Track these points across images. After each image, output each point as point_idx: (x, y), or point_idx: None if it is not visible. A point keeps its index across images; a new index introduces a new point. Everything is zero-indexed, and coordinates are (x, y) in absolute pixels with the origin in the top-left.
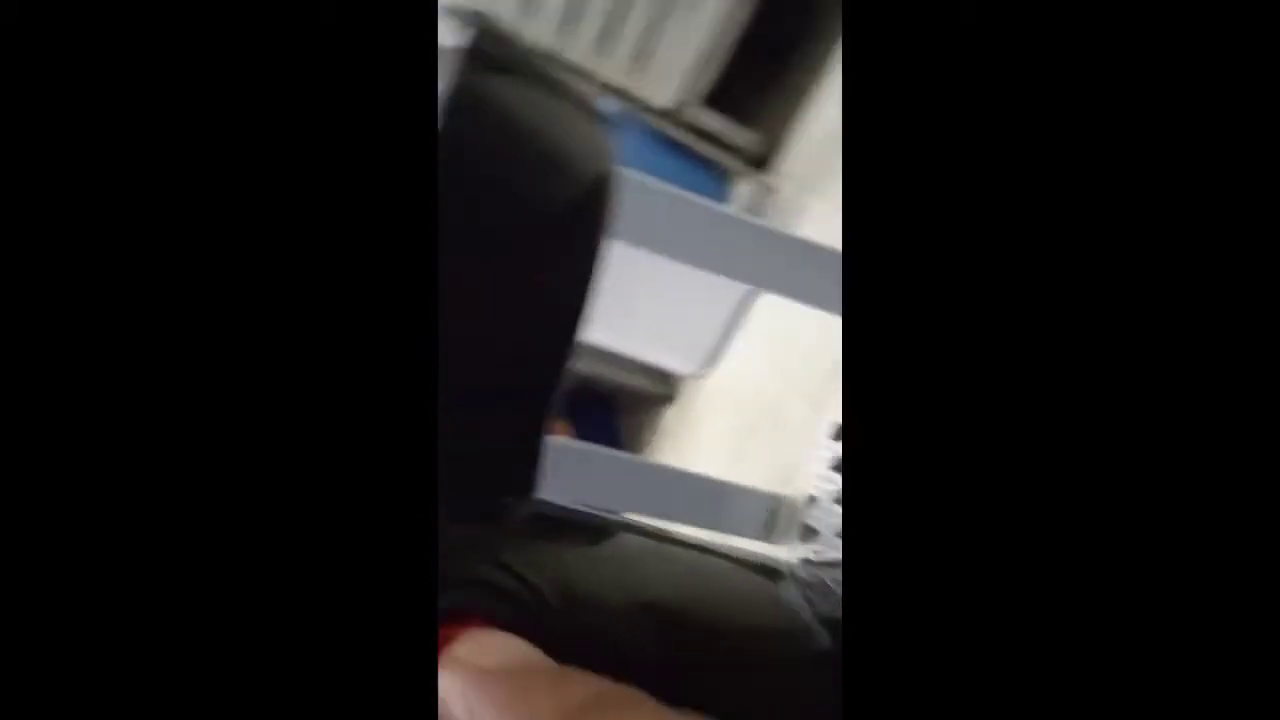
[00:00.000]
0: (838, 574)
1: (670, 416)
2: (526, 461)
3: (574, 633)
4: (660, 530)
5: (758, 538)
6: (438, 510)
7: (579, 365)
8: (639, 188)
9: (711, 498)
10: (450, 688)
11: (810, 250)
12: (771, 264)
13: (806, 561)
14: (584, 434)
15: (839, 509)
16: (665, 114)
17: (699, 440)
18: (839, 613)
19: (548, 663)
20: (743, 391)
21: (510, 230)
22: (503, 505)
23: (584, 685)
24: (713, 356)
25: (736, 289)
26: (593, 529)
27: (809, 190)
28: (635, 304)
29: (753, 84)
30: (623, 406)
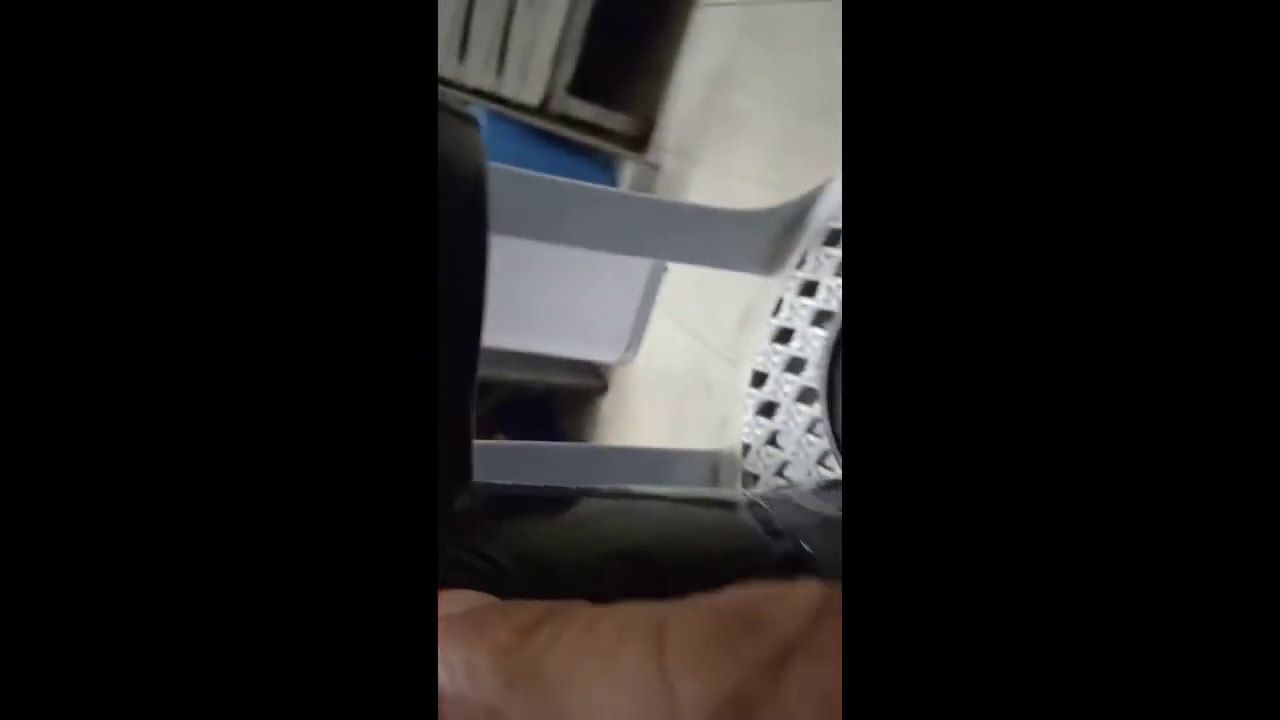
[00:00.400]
0: (789, 495)
1: (607, 405)
2: (458, 451)
3: (535, 596)
4: (616, 489)
5: None
6: (439, 496)
7: (508, 375)
8: (526, 182)
9: (654, 468)
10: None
11: (701, 214)
12: (669, 234)
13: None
14: (526, 440)
15: (773, 450)
16: (536, 110)
17: (638, 420)
18: (796, 524)
19: (495, 600)
20: (668, 365)
21: None
22: (441, 495)
23: (534, 607)
24: (635, 340)
25: (642, 272)
26: (549, 501)
27: (691, 162)
28: (551, 306)
29: (615, 68)
30: (559, 406)
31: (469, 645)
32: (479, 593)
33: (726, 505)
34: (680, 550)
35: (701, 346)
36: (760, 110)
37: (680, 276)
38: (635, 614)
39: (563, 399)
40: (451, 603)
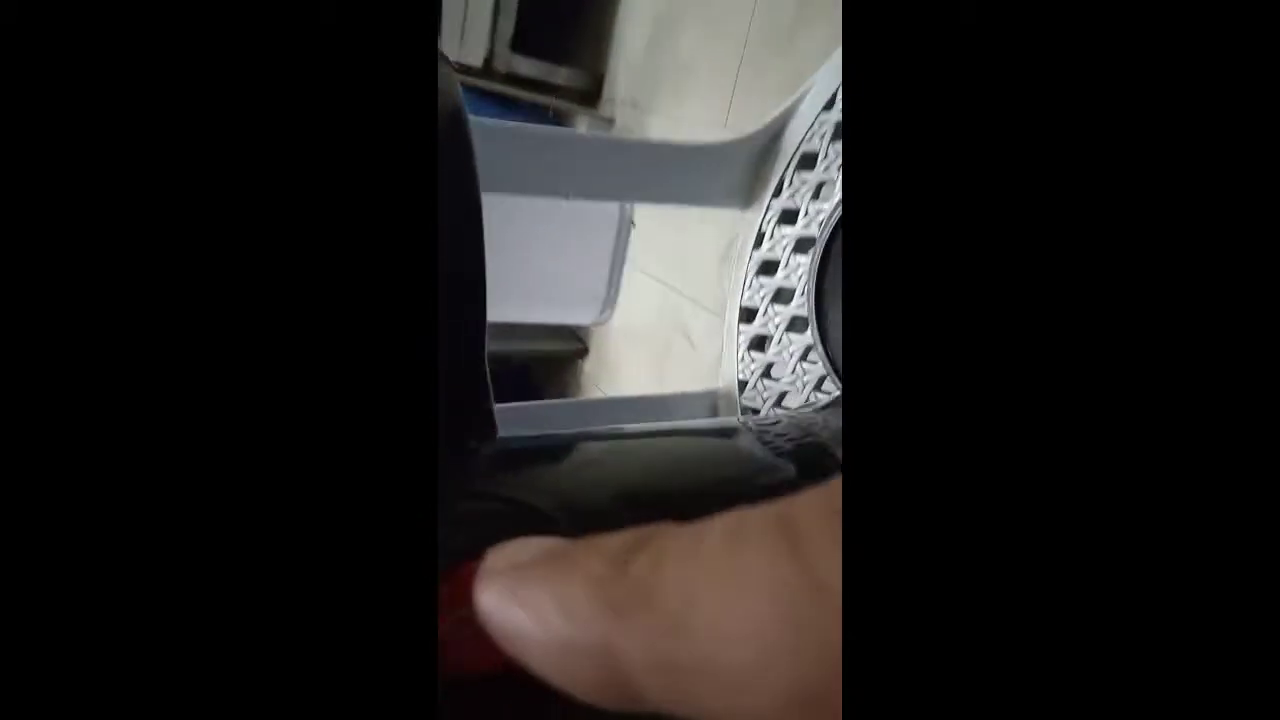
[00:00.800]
0: (792, 418)
1: (589, 368)
2: (482, 402)
3: (578, 535)
4: (614, 430)
5: None
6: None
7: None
8: (488, 132)
9: (658, 412)
10: (496, 592)
11: (671, 151)
12: (641, 176)
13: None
14: None
15: (769, 382)
16: (480, 71)
17: (622, 378)
18: (799, 445)
19: (567, 540)
20: (646, 320)
21: None
22: (470, 449)
23: (617, 536)
24: (610, 299)
25: (610, 230)
26: (554, 448)
27: (644, 111)
28: (523, 275)
29: (555, 22)
30: (541, 374)
31: (557, 582)
32: (537, 536)
33: (731, 432)
34: (692, 477)
35: (677, 296)
36: (707, 52)
37: (648, 231)
38: (743, 519)
39: (544, 366)
40: (516, 550)
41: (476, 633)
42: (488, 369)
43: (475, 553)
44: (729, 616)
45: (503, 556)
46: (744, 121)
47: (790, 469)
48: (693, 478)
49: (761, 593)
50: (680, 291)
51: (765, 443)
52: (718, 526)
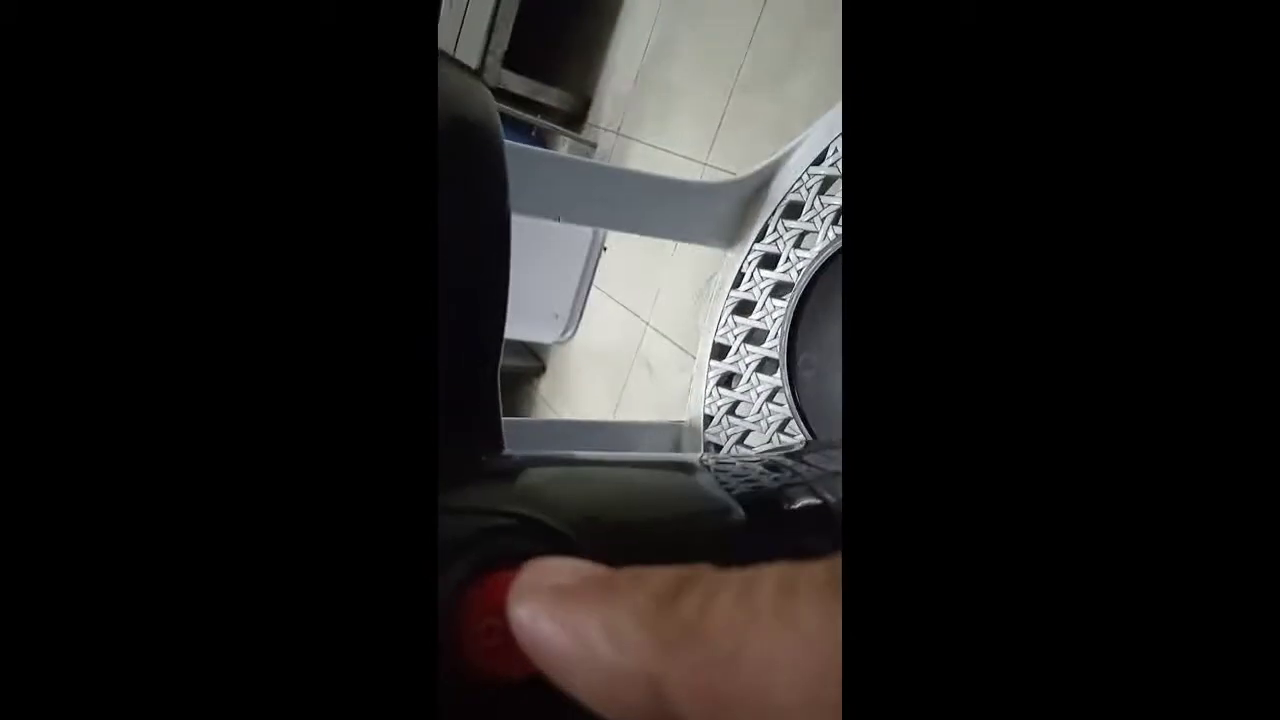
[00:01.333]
0: (748, 459)
1: (544, 387)
2: (493, 415)
3: (593, 553)
4: (566, 456)
5: None
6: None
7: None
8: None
9: (622, 440)
10: (535, 609)
11: (666, 186)
12: (634, 205)
13: (718, 456)
14: None
15: (734, 419)
16: None
17: (576, 400)
18: (754, 488)
19: (605, 568)
20: (608, 344)
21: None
22: (480, 463)
23: (660, 573)
24: (574, 319)
25: (581, 252)
26: (550, 466)
27: (628, 138)
28: None
29: (549, 43)
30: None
31: (604, 611)
32: (569, 558)
33: (690, 468)
34: (648, 512)
35: (640, 324)
36: (696, 87)
37: (618, 255)
38: (797, 573)
39: (501, 381)
40: (552, 571)
41: (507, 642)
42: (499, 383)
43: (501, 565)
44: (779, 661)
45: (541, 574)
46: (725, 159)
47: (740, 512)
48: (652, 510)
49: (812, 644)
50: (644, 319)
51: (720, 483)
52: (770, 576)
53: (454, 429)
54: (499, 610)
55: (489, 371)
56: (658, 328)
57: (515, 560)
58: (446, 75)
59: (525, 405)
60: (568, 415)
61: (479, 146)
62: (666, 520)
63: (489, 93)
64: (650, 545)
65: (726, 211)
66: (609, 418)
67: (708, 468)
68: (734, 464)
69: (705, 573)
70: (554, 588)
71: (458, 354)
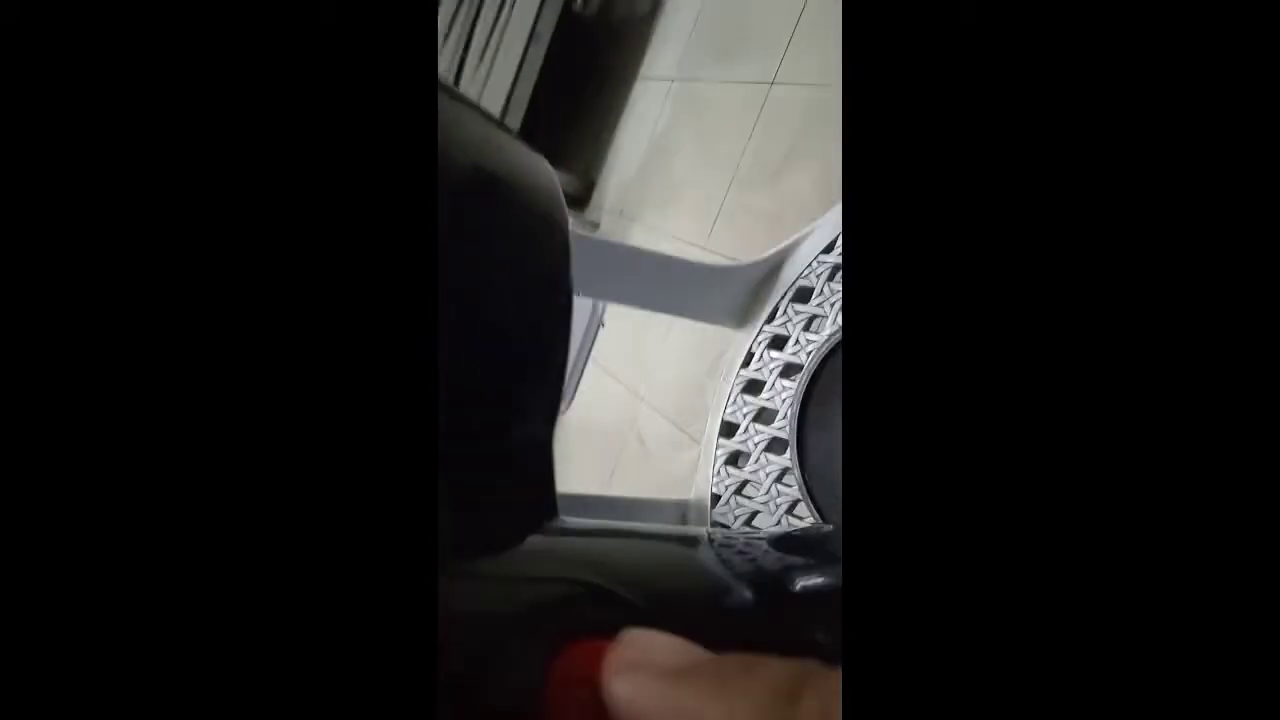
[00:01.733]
0: (754, 537)
1: None
2: (550, 483)
3: (637, 606)
4: (563, 525)
5: None
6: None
7: None
8: None
9: (627, 517)
10: (636, 686)
11: (681, 266)
12: (647, 283)
13: (722, 528)
14: None
15: (742, 499)
16: None
17: (571, 474)
18: (757, 569)
19: (707, 651)
20: (603, 419)
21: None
22: (545, 528)
23: (773, 666)
24: (569, 391)
25: (579, 325)
26: (597, 536)
27: (628, 222)
28: None
29: (559, 127)
30: None
31: (722, 700)
32: (662, 633)
33: (693, 542)
34: (643, 586)
35: (636, 400)
36: (697, 176)
37: (616, 331)
38: None
39: None
40: (652, 647)
41: (598, 715)
42: (553, 454)
43: (586, 635)
44: None
45: (638, 649)
46: (723, 244)
47: (747, 595)
48: (659, 586)
49: None
50: (640, 396)
51: (723, 560)
52: None
53: (519, 496)
54: (589, 682)
55: (547, 440)
56: (653, 404)
57: (602, 630)
58: (502, 139)
59: None
60: (565, 487)
61: (553, 225)
62: (673, 597)
63: (547, 163)
64: (679, 623)
65: (738, 292)
66: (603, 490)
67: (713, 543)
68: (738, 540)
69: (821, 672)
70: (657, 667)
71: (520, 423)
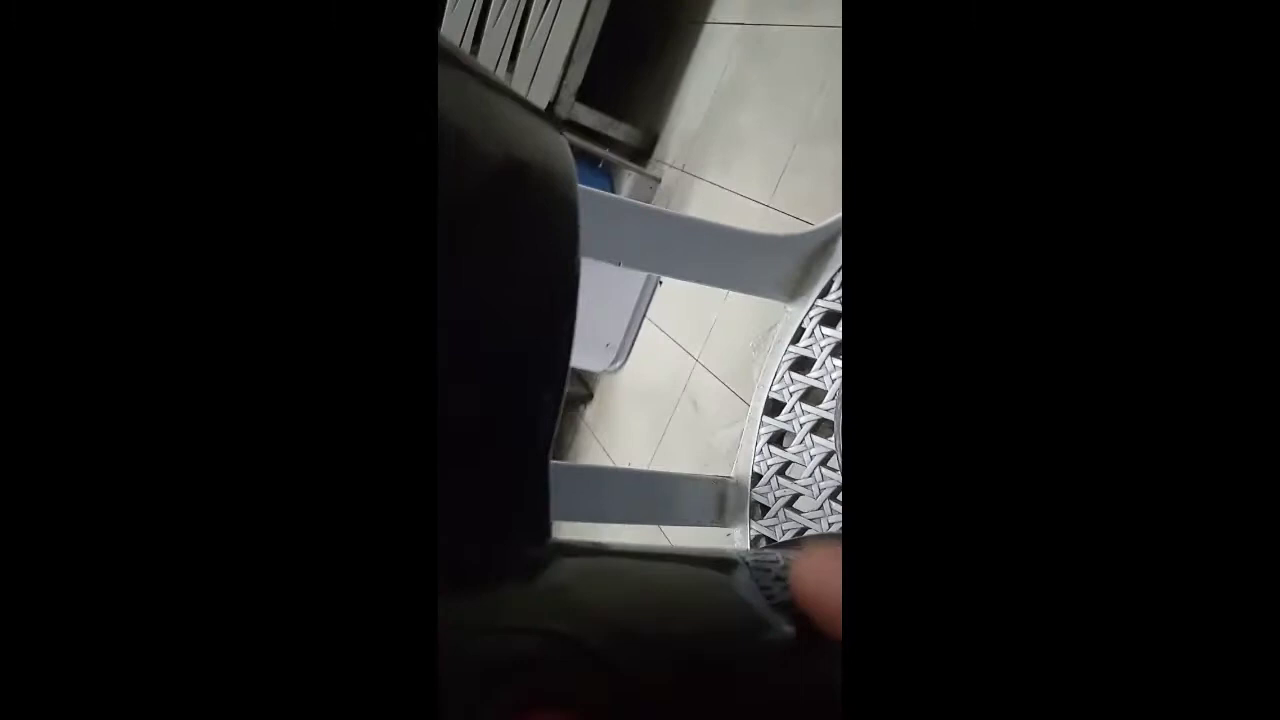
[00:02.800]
0: (790, 555)
1: (589, 414)
2: (541, 501)
3: (613, 667)
4: (596, 545)
5: (712, 523)
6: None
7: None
8: None
9: (665, 492)
10: None
11: (730, 236)
12: (696, 254)
13: (762, 547)
14: None
15: (784, 481)
16: (545, 111)
17: (620, 433)
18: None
19: None
20: (656, 379)
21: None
22: (522, 560)
23: None
24: (624, 349)
25: (637, 282)
26: (589, 557)
27: (693, 176)
28: None
29: (622, 79)
30: None
31: None
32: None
33: (729, 565)
34: (674, 623)
35: (691, 361)
36: (763, 131)
37: (674, 291)
38: None
39: None
40: None
41: None
42: (549, 463)
43: (533, 702)
44: None
45: None
46: (789, 203)
47: (784, 628)
48: (689, 623)
49: None
50: (695, 357)
51: (763, 587)
52: None
53: (499, 518)
54: None
55: (541, 450)
56: (708, 366)
57: (564, 700)
58: (530, 123)
59: (570, 432)
60: (611, 446)
61: (567, 210)
62: (702, 635)
63: (567, 144)
64: (685, 663)
65: (790, 265)
66: (651, 452)
67: (748, 565)
68: (777, 562)
69: None
70: None
71: (507, 429)
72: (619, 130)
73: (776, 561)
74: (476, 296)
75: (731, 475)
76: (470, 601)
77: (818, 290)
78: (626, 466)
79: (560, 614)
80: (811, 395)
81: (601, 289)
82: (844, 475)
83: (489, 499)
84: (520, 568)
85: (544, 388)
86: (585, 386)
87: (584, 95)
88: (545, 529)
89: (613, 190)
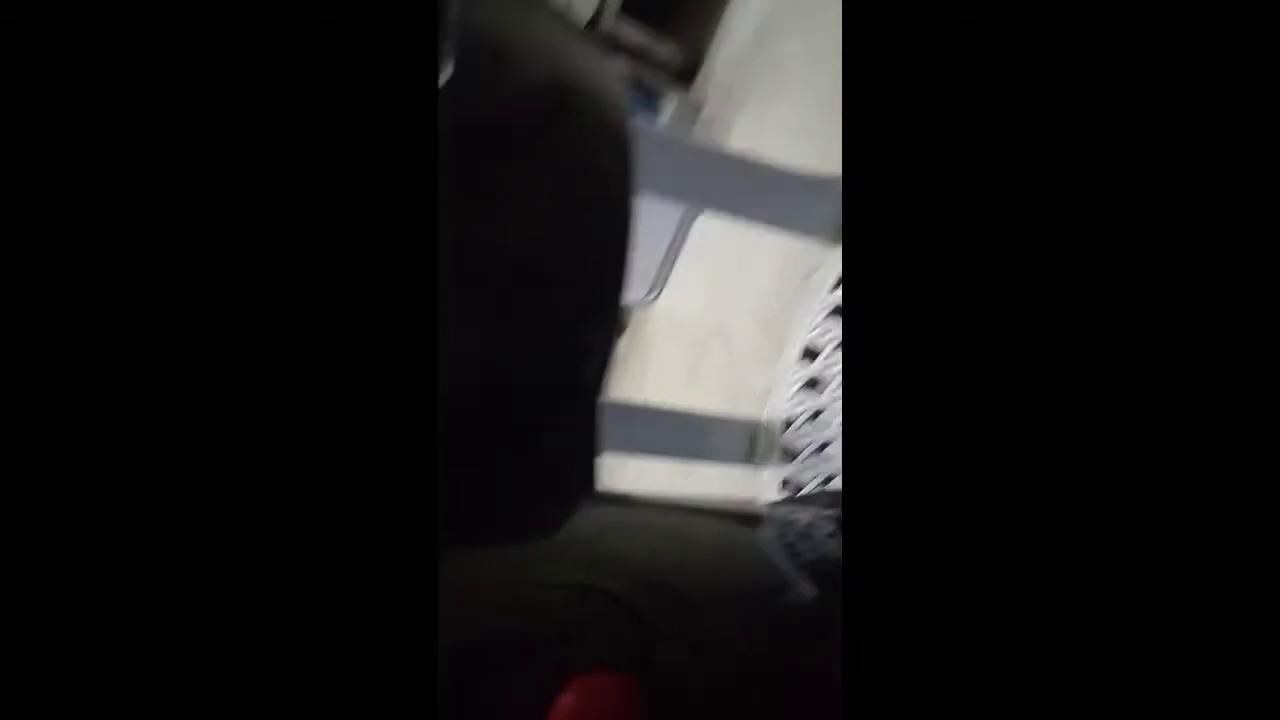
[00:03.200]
0: (821, 511)
1: (622, 345)
2: (593, 455)
3: (655, 627)
4: (625, 494)
5: (740, 462)
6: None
7: None
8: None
9: (695, 430)
10: None
11: (773, 174)
12: (738, 191)
13: (788, 500)
14: None
15: (814, 428)
16: (587, 28)
17: (652, 366)
18: (822, 556)
19: None
20: (690, 314)
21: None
22: (568, 516)
23: None
24: (659, 282)
25: (674, 213)
26: (620, 506)
27: (734, 104)
28: None
29: None
30: None
31: None
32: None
33: (755, 520)
34: (698, 580)
35: (728, 301)
36: (813, 60)
37: (712, 224)
38: None
39: None
40: None
41: None
42: (601, 428)
43: (586, 664)
44: None
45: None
46: (829, 137)
47: (805, 589)
48: (721, 584)
49: None
50: (730, 293)
51: (788, 543)
52: None
53: (547, 467)
54: None
55: (592, 401)
56: (743, 303)
57: (614, 660)
58: (576, 46)
59: None
60: (642, 379)
61: (601, 127)
62: (733, 596)
63: (619, 72)
64: (709, 618)
65: (835, 207)
66: (682, 388)
67: (774, 522)
68: (800, 519)
69: None
70: None
71: (548, 372)
72: (662, 50)
73: (801, 517)
74: (510, 229)
75: (763, 418)
76: (511, 554)
77: None
78: (657, 402)
79: (593, 566)
80: None
81: (639, 218)
82: (844, 477)
83: (528, 449)
84: (554, 520)
85: (590, 329)
86: None
87: (628, 9)
88: (593, 482)
89: (655, 113)
